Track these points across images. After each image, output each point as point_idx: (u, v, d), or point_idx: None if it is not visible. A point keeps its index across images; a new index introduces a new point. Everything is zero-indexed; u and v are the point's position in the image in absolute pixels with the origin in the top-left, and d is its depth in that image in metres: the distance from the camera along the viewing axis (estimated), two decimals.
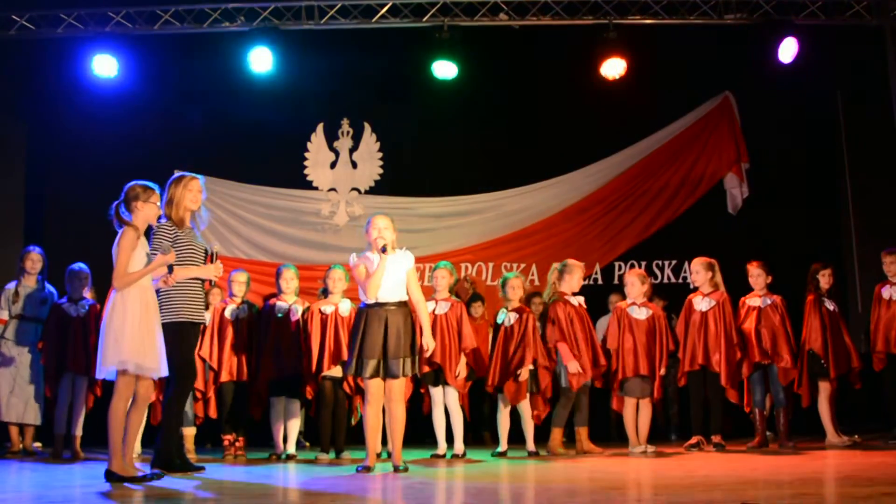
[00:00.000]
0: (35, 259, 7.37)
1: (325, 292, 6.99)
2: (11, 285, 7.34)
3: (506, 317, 6.87)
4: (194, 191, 5.43)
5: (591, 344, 6.88)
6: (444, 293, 6.81)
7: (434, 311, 6.72)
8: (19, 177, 9.30)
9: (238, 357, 6.78)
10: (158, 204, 5.01)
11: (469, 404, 7.09)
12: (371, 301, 5.41)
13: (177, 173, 5.52)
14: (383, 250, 5.38)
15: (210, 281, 5.45)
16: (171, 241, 5.22)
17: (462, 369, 6.61)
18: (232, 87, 9.06)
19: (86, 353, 6.96)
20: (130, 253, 4.78)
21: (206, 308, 6.40)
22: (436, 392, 6.72)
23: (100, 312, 6.98)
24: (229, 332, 6.82)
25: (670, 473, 4.85)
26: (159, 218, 5.15)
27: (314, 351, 6.69)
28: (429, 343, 5.54)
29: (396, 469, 5.30)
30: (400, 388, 5.43)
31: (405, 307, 5.47)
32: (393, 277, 5.42)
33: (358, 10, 8.66)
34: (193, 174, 5.51)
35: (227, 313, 6.89)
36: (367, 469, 5.28)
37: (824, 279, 7.17)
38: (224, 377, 6.76)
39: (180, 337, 5.20)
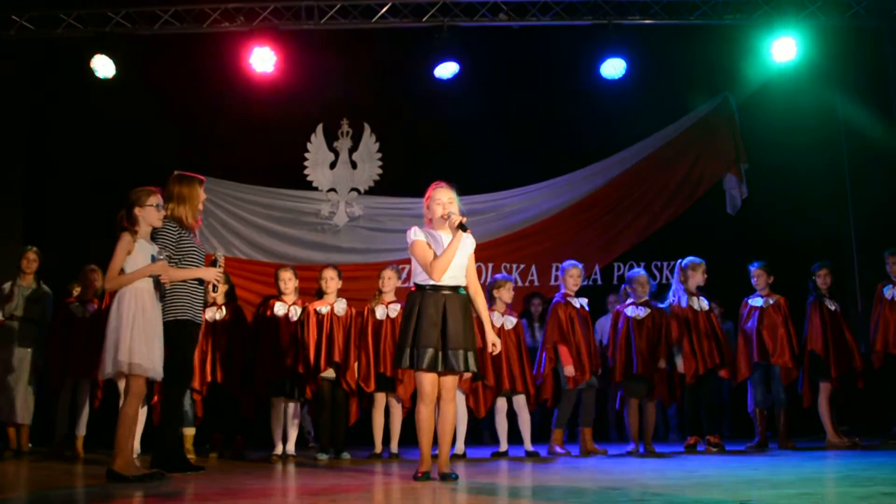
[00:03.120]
0: (31, 258, 7.36)
1: (321, 293, 6.98)
2: (7, 285, 7.33)
3: (505, 320, 6.86)
4: (202, 192, 5.44)
5: (590, 346, 6.88)
6: None
7: None
8: (19, 177, 9.30)
9: (224, 358, 6.77)
10: (157, 205, 4.99)
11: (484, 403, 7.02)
12: (428, 283, 4.76)
13: (180, 172, 5.49)
14: (463, 228, 4.72)
15: (213, 285, 5.42)
16: (174, 241, 5.21)
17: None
18: (232, 87, 9.06)
19: (88, 355, 6.95)
20: (123, 256, 4.79)
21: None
22: None
23: (99, 313, 7.03)
24: (211, 333, 6.79)
25: (670, 473, 4.85)
26: (164, 219, 5.14)
27: (311, 352, 6.70)
28: (494, 339, 4.92)
29: (445, 477, 4.62)
30: (454, 385, 4.81)
31: (463, 295, 4.81)
32: (456, 260, 4.77)
33: (358, 10, 8.67)
34: (200, 176, 5.49)
35: (207, 315, 6.86)
36: (426, 476, 4.63)
37: (822, 279, 7.18)
38: (209, 377, 6.73)
39: (180, 336, 5.19)
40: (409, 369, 4.73)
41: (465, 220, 4.77)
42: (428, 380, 4.67)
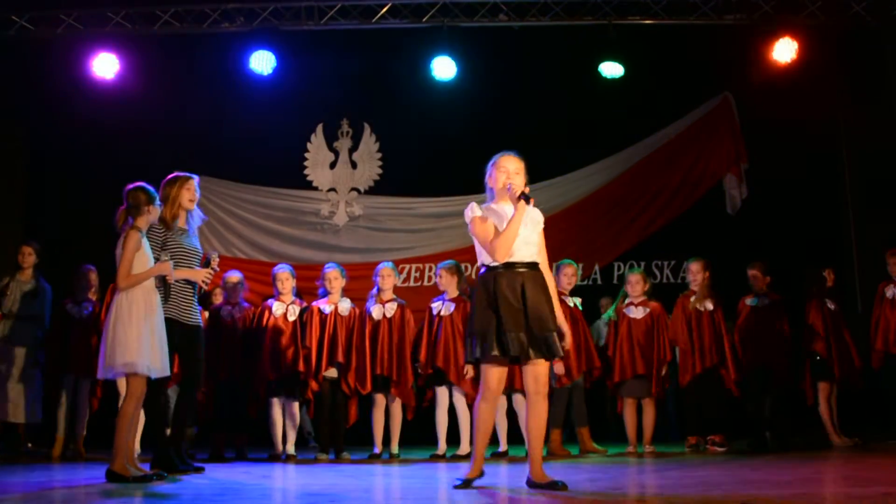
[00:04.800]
0: (27, 253, 7.34)
1: (325, 292, 6.98)
2: (4, 280, 7.30)
3: None
4: (192, 190, 5.46)
5: (586, 346, 6.88)
6: (454, 292, 6.83)
7: (440, 312, 6.74)
8: (19, 177, 9.30)
9: (232, 357, 6.79)
10: (160, 206, 5.06)
11: None
12: (498, 263, 4.23)
13: (173, 174, 5.53)
14: (525, 198, 4.20)
15: (201, 287, 5.43)
16: (160, 242, 5.24)
17: (470, 370, 6.60)
18: (232, 87, 9.06)
19: (87, 355, 6.94)
20: (134, 254, 4.81)
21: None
22: (441, 392, 6.74)
23: (100, 313, 7.01)
24: (223, 332, 6.82)
25: (670, 473, 4.85)
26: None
27: (313, 351, 6.70)
28: (566, 330, 4.29)
29: (552, 486, 4.04)
30: (546, 374, 4.22)
31: (540, 273, 4.29)
32: (527, 235, 4.26)
33: (358, 10, 8.66)
34: (189, 174, 5.52)
35: (223, 314, 6.90)
36: (468, 482, 4.21)
37: (828, 279, 7.19)
38: (219, 377, 6.76)
39: (169, 335, 5.15)
40: (485, 362, 4.18)
41: (527, 189, 4.24)
42: (496, 374, 4.20)
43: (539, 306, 4.15)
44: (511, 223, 4.18)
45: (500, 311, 4.12)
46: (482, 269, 4.30)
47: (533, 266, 4.24)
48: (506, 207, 4.30)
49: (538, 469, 4.12)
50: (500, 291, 4.15)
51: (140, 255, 4.83)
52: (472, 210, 4.32)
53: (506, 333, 4.09)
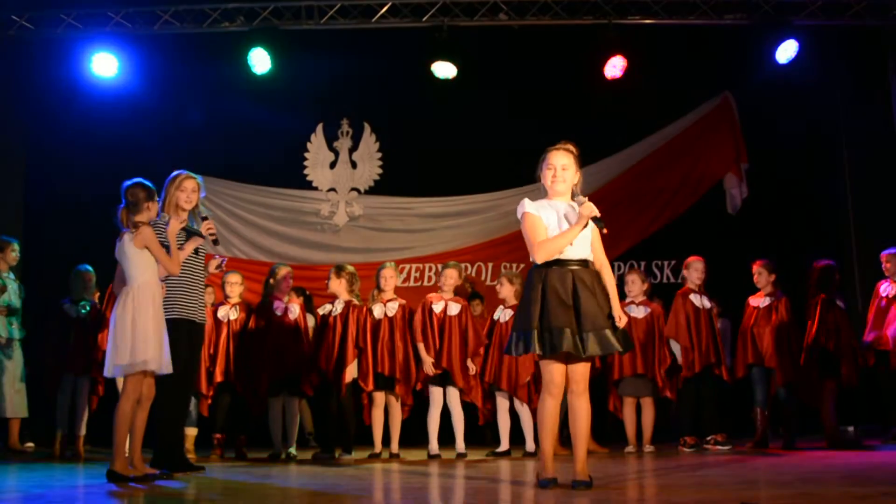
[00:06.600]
0: (16, 251, 7.35)
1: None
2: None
3: (502, 313, 6.88)
4: (187, 190, 5.40)
5: None
6: (452, 293, 6.84)
7: (445, 310, 6.75)
8: (19, 177, 9.30)
9: (232, 358, 6.79)
10: (158, 201, 5.07)
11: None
12: (552, 258, 4.18)
13: (174, 172, 5.52)
14: (597, 222, 4.20)
15: (208, 237, 5.42)
16: (164, 238, 5.24)
17: (471, 369, 6.63)
18: (232, 87, 9.07)
19: (86, 354, 6.95)
20: (159, 243, 4.87)
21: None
22: (435, 392, 6.74)
23: (100, 313, 7.01)
24: (223, 333, 6.83)
25: (670, 473, 4.85)
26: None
27: (309, 351, 6.73)
28: (621, 314, 4.18)
29: (578, 485, 4.06)
30: (587, 374, 4.18)
31: (593, 269, 4.24)
32: (581, 234, 4.21)
33: (358, 10, 8.66)
34: (190, 173, 5.48)
35: (220, 314, 6.90)
36: (554, 482, 4.14)
37: (834, 277, 7.21)
38: (218, 378, 6.77)
39: (175, 334, 5.13)
40: (542, 358, 4.13)
41: (598, 213, 4.17)
42: (558, 368, 4.13)
43: (590, 302, 4.08)
44: (565, 234, 4.16)
45: (548, 308, 4.08)
46: (533, 265, 4.25)
47: (584, 263, 4.19)
48: (559, 204, 4.26)
49: (581, 469, 4.11)
50: (551, 287, 4.10)
51: (144, 252, 4.82)
52: (524, 206, 4.27)
53: (554, 330, 4.03)
